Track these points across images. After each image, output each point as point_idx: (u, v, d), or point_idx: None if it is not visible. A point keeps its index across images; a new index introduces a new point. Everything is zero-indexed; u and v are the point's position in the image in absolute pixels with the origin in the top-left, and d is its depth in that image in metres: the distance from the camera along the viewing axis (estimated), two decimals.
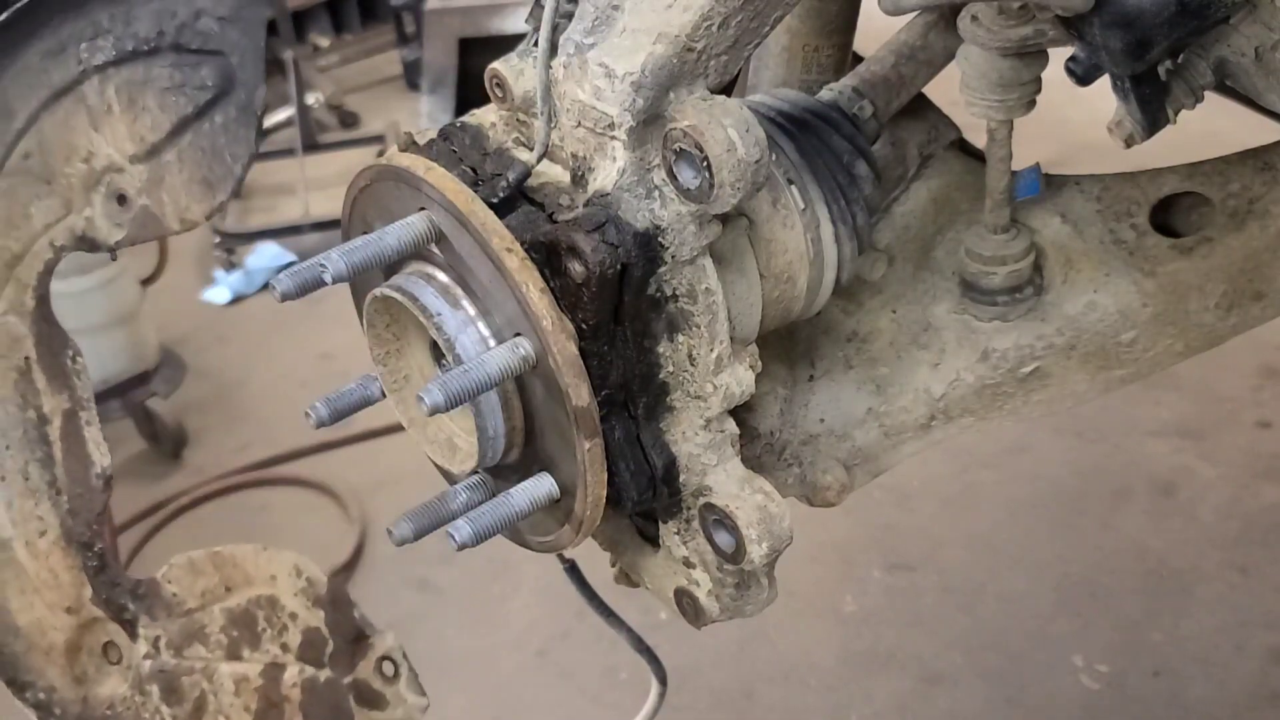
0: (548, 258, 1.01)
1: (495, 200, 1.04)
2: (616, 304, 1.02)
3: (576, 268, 1.00)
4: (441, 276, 1.06)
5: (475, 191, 1.03)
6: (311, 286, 1.03)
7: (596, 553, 1.26)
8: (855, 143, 1.23)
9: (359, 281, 1.16)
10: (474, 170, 1.09)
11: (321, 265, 1.02)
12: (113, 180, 1.25)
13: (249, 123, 1.20)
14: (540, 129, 1.07)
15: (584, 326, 1.01)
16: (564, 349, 1.00)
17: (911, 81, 1.36)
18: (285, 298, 1.02)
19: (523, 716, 2.79)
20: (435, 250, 1.05)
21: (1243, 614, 2.81)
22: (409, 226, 1.03)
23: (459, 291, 1.05)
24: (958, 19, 1.26)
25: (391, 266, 1.09)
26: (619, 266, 1.01)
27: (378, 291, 1.09)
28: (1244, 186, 1.34)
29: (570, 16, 1.06)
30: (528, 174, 1.07)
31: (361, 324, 1.14)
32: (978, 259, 1.32)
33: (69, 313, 4.10)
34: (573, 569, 1.33)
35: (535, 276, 0.99)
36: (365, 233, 1.06)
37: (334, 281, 1.02)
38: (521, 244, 1.00)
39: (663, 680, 1.32)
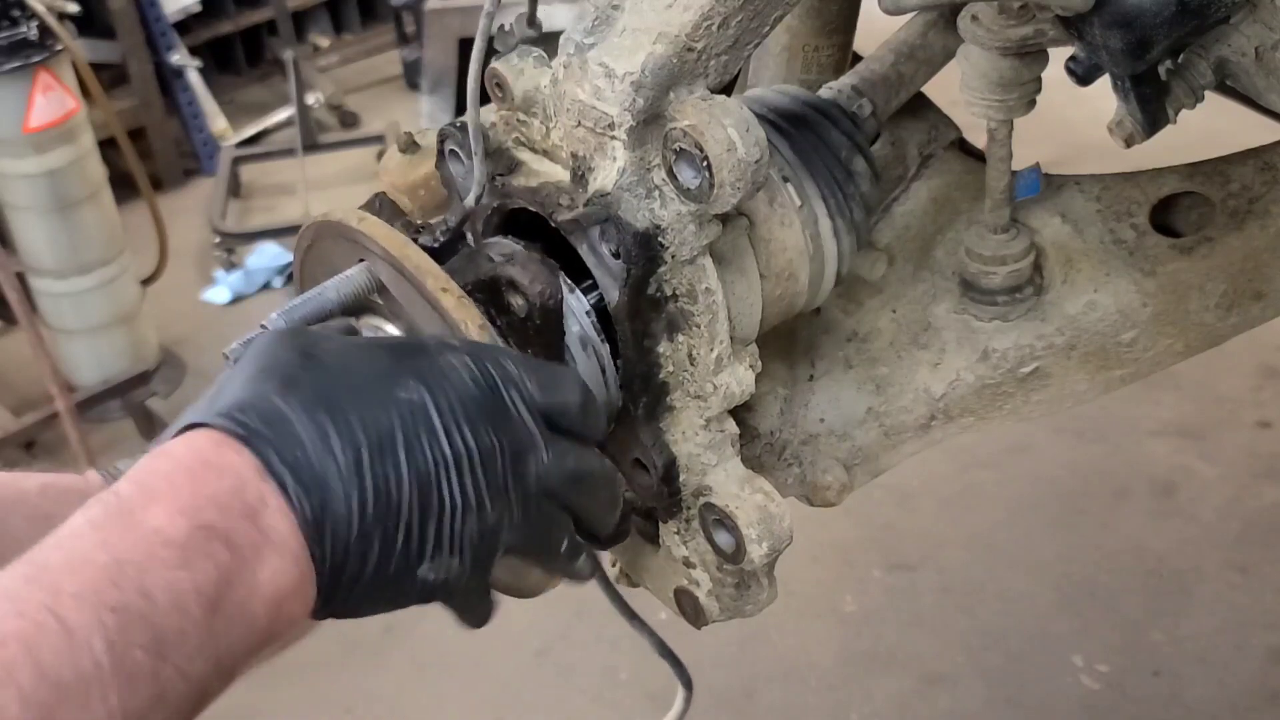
0: (492, 296, 1.02)
1: (435, 245, 1.05)
2: (559, 338, 1.03)
3: (517, 302, 1.01)
4: (389, 328, 1.04)
5: (416, 239, 1.03)
6: None
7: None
8: (852, 138, 1.22)
9: None
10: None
11: (263, 327, 1.01)
12: None
13: None
14: (476, 169, 1.07)
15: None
16: None
17: (911, 81, 1.35)
18: (237, 360, 1.02)
19: (523, 716, 2.79)
20: (379, 300, 1.04)
21: (1243, 614, 2.81)
22: (348, 279, 1.02)
23: None
24: (957, 18, 1.26)
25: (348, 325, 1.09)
26: (558, 298, 1.02)
27: None
28: (1244, 186, 1.34)
29: (534, 23, 1.08)
30: (467, 218, 1.08)
31: None
32: (978, 259, 1.32)
33: (69, 313, 4.13)
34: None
35: (474, 314, 0.97)
36: None
37: None
38: (464, 285, 0.99)
39: (688, 685, 1.30)
